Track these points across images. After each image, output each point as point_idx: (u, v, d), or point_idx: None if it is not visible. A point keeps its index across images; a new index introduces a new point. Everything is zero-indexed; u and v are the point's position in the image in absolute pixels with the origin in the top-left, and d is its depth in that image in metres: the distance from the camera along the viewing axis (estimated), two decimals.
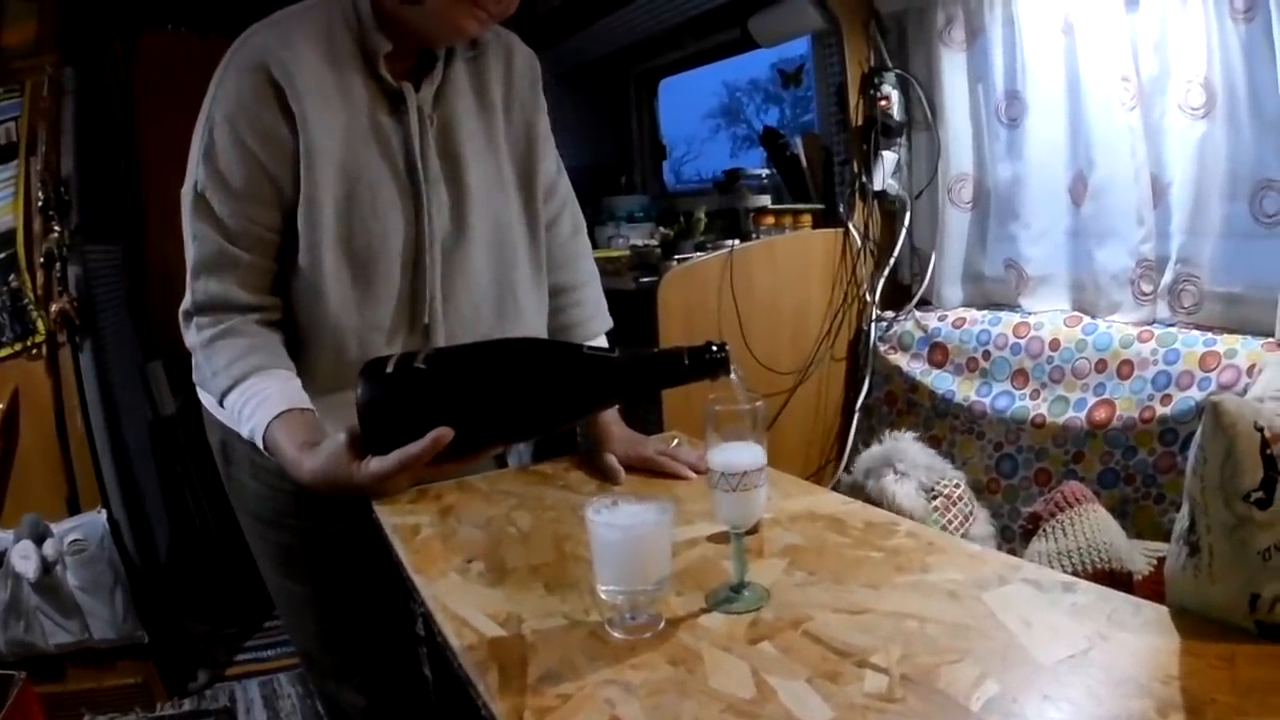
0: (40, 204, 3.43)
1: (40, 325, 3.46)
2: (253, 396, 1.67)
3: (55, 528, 3.45)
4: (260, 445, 1.66)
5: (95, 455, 3.57)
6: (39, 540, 3.38)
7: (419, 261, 1.83)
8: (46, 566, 3.38)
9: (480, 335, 1.93)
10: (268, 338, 1.76)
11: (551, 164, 2.08)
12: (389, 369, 1.37)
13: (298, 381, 1.74)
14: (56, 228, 3.44)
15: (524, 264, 1.98)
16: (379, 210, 1.77)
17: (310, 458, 1.53)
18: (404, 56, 1.79)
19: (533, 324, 2.02)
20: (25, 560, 3.34)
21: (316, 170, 1.70)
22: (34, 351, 3.49)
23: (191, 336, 1.76)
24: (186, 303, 1.77)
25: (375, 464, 1.41)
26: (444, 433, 1.35)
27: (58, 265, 3.45)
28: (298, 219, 1.73)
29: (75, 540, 3.43)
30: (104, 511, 3.52)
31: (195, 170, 1.72)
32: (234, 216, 1.71)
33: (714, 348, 1.36)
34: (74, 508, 3.54)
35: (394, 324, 1.84)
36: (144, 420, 4.18)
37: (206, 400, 1.93)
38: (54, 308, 3.44)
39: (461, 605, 1.45)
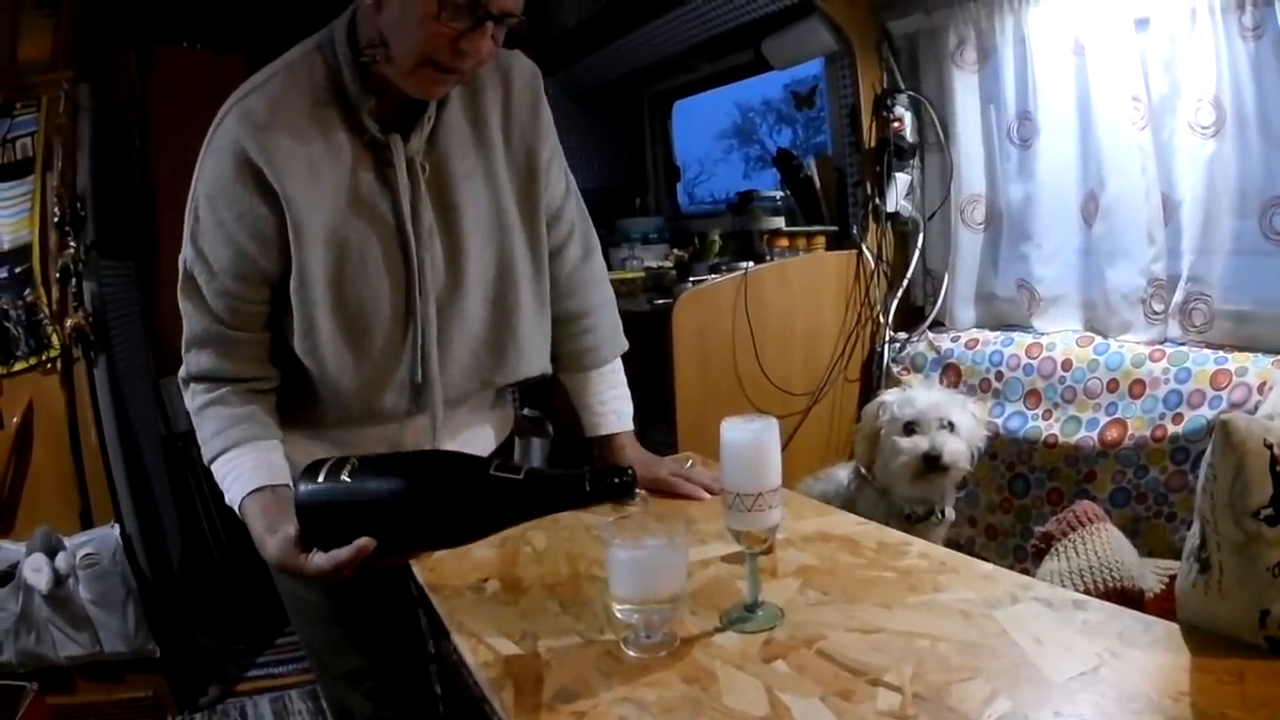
0: (56, 219, 3.45)
1: (55, 340, 3.47)
2: (232, 469, 1.73)
3: (68, 541, 3.46)
4: (239, 515, 1.71)
5: (108, 469, 3.58)
6: (51, 553, 3.39)
7: (412, 318, 1.83)
8: (58, 579, 3.39)
9: (480, 380, 1.96)
10: (256, 407, 1.80)
11: (558, 189, 2.05)
12: (321, 477, 1.43)
13: (279, 452, 1.79)
14: (72, 243, 3.46)
15: (527, 300, 1.96)
16: (369, 275, 1.78)
17: (271, 541, 1.57)
18: (394, 99, 1.76)
19: (534, 361, 2.01)
20: (37, 573, 3.35)
21: (305, 244, 1.71)
22: (49, 366, 3.50)
23: (188, 401, 1.83)
24: (182, 370, 1.83)
25: (318, 560, 1.45)
26: (366, 544, 1.40)
27: (73, 281, 3.47)
28: (290, 290, 1.75)
29: (87, 554, 3.44)
30: (116, 525, 3.53)
31: (185, 247, 1.76)
32: (219, 297, 1.74)
33: (617, 473, 1.39)
34: (87, 521, 3.55)
35: (391, 381, 1.86)
36: (157, 435, 4.20)
37: None
38: (69, 323, 3.45)
39: (477, 623, 1.46)
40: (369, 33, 1.66)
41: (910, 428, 2.52)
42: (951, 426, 2.52)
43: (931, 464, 2.47)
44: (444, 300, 1.85)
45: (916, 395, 2.58)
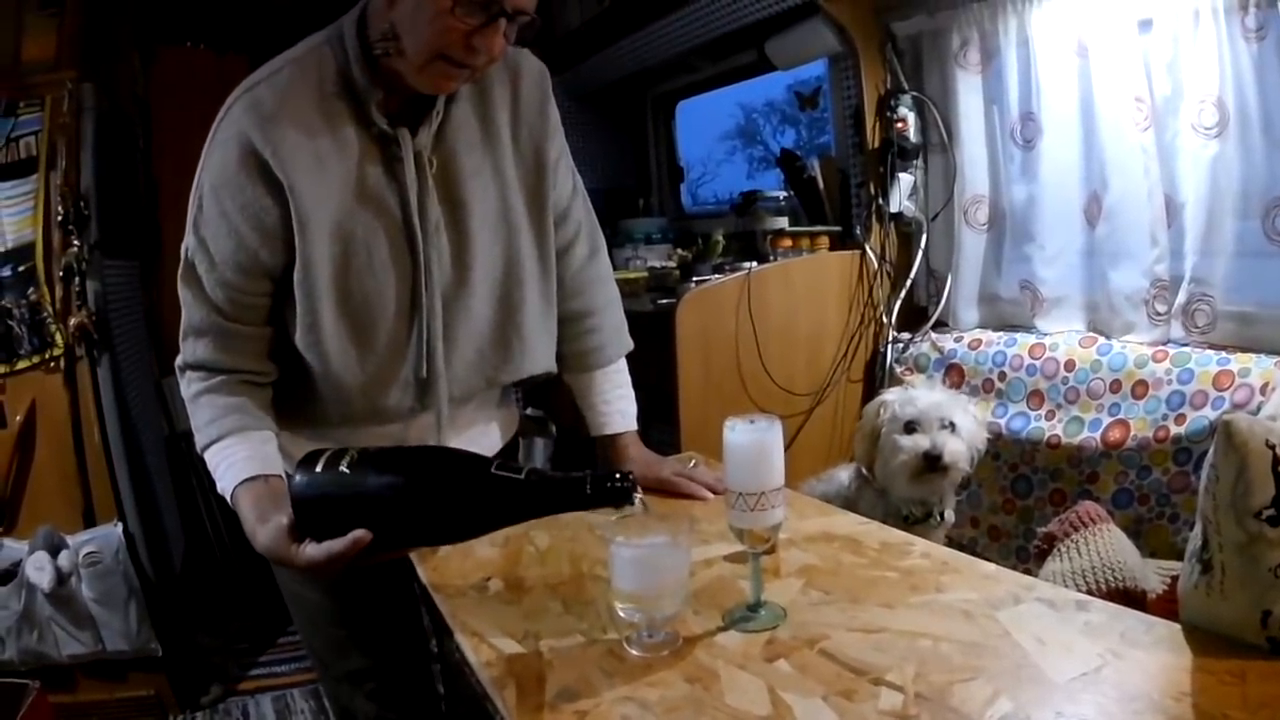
0: (59, 218, 3.45)
1: (58, 339, 3.48)
2: (225, 458, 1.72)
3: (70, 539, 3.46)
4: (229, 503, 1.71)
5: (111, 468, 3.58)
6: (54, 551, 3.40)
7: (418, 313, 1.83)
8: (61, 578, 3.39)
9: (486, 377, 1.96)
10: (250, 398, 1.79)
11: (564, 189, 2.05)
12: (318, 467, 1.42)
13: (273, 444, 1.78)
14: (75, 242, 3.46)
15: (533, 297, 1.96)
16: (375, 268, 1.78)
17: (262, 531, 1.56)
18: (403, 95, 1.76)
19: (539, 359, 2.01)
20: (40, 571, 3.36)
21: (310, 236, 1.71)
22: (52, 365, 3.50)
23: (183, 388, 1.82)
24: (179, 358, 1.82)
25: (310, 551, 1.45)
26: (362, 536, 1.39)
27: (76, 280, 3.47)
28: (294, 282, 1.74)
29: (90, 552, 3.44)
30: (119, 524, 3.53)
31: (187, 235, 1.75)
32: (218, 288, 1.74)
33: (618, 477, 1.39)
34: (89, 520, 3.56)
35: (396, 376, 1.85)
36: (159, 435, 4.21)
37: None
38: (72, 322, 3.46)
39: (479, 622, 1.46)
40: (381, 26, 1.66)
41: (911, 427, 2.51)
42: (953, 427, 2.51)
43: (932, 464, 2.46)
44: (450, 296, 1.85)
45: (918, 394, 2.58)
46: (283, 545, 1.50)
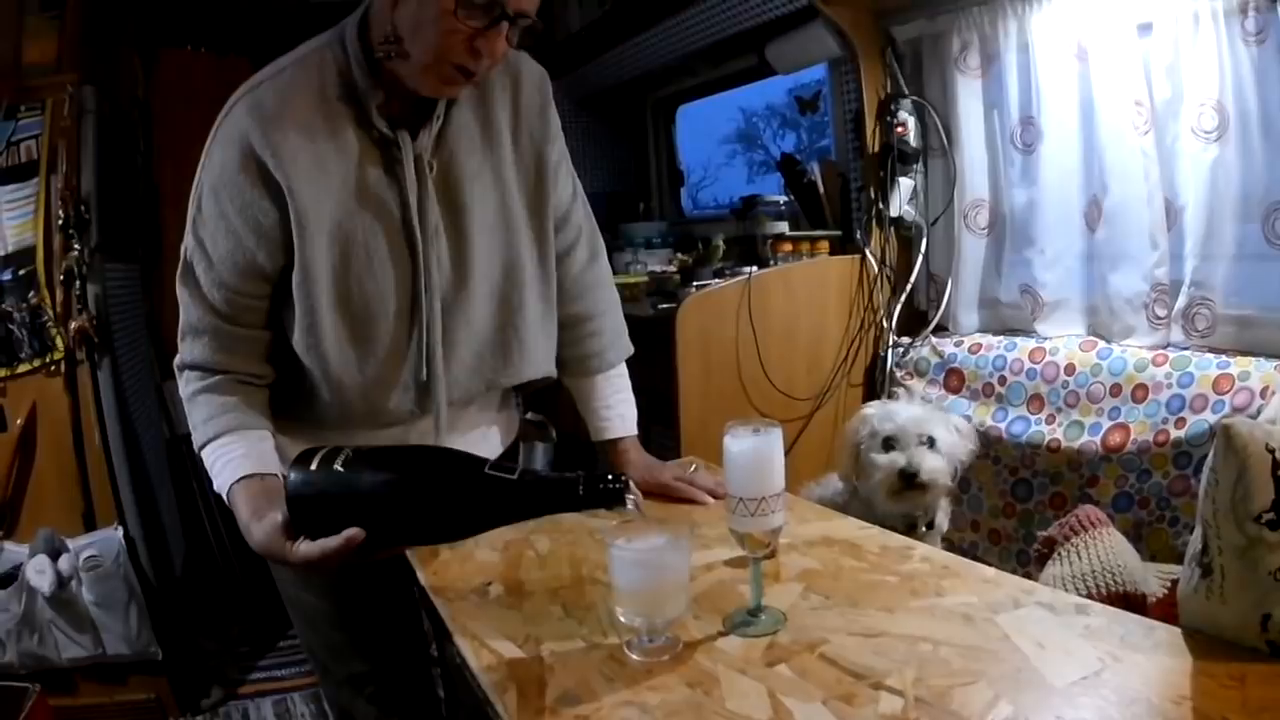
0: (60, 222, 3.45)
1: (59, 342, 3.48)
2: (221, 456, 1.72)
3: (71, 543, 3.46)
4: (225, 501, 1.71)
5: (112, 472, 3.58)
6: (54, 555, 3.39)
7: (418, 316, 1.83)
8: (61, 581, 3.39)
9: (485, 380, 1.96)
10: (246, 397, 1.79)
11: (565, 192, 2.04)
12: (313, 465, 1.43)
13: (269, 442, 1.79)
14: (76, 246, 3.46)
15: (532, 301, 1.96)
16: (375, 270, 1.78)
17: (257, 528, 1.57)
18: (404, 98, 1.76)
19: (539, 362, 2.01)
20: (40, 575, 3.35)
21: (309, 238, 1.71)
22: (52, 368, 3.50)
23: (181, 388, 1.82)
24: (176, 358, 1.82)
25: (304, 548, 1.47)
26: (355, 534, 1.41)
27: (77, 283, 3.47)
28: (292, 284, 1.74)
29: (91, 556, 3.44)
30: (120, 528, 3.53)
31: (186, 235, 1.76)
32: (216, 289, 1.74)
33: (611, 478, 1.39)
34: (90, 524, 3.55)
35: (396, 379, 1.85)
36: (160, 438, 4.21)
37: None
38: (73, 325, 3.45)
39: (480, 626, 1.46)
40: (383, 29, 1.66)
41: (889, 443, 2.50)
42: (931, 442, 2.50)
43: (908, 481, 2.46)
44: (449, 299, 1.85)
45: (897, 409, 2.56)
46: (277, 542, 1.50)
